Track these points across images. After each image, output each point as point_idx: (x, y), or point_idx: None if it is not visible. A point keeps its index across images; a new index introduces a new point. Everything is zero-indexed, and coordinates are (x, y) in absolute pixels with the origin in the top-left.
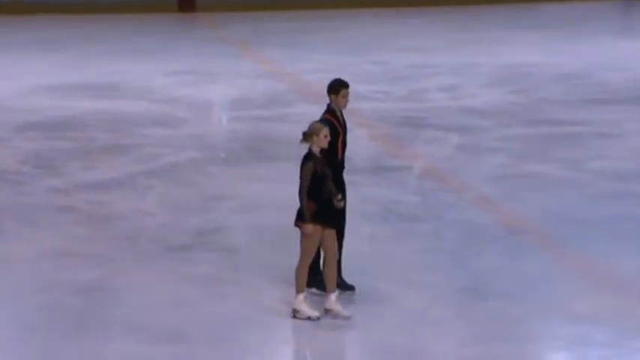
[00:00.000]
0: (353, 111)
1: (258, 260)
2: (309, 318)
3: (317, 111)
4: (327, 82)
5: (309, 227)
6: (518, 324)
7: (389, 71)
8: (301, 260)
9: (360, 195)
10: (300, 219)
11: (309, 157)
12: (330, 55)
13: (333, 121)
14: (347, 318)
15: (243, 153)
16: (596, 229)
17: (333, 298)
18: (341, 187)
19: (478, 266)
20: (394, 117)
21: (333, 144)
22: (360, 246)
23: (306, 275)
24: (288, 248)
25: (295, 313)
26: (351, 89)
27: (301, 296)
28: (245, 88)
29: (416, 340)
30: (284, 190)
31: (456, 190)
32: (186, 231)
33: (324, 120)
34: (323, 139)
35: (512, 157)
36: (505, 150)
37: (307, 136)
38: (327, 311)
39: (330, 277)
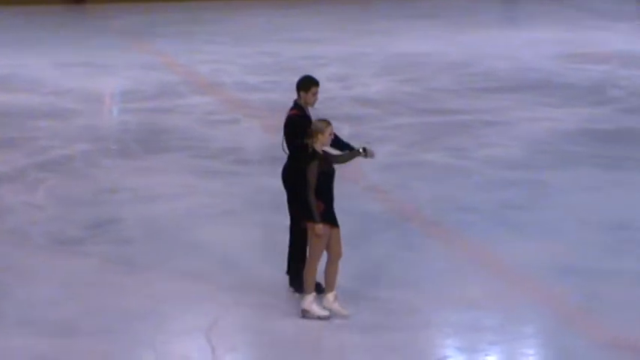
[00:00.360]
0: (245, 102)
1: (152, 252)
2: (318, 318)
3: (208, 102)
4: (218, 73)
5: (320, 227)
6: (410, 311)
7: (279, 62)
8: (310, 261)
9: (253, 185)
10: (309, 219)
11: (313, 156)
12: (222, 46)
13: (303, 118)
14: (346, 317)
15: (134, 145)
16: (485, 216)
17: (331, 298)
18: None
19: (370, 254)
20: (286, 107)
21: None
22: (252, 236)
23: (315, 276)
24: (181, 239)
25: (305, 314)
26: (240, 80)
27: (310, 297)
28: (137, 79)
29: (308, 327)
30: (176, 180)
31: (349, 179)
32: (78, 224)
33: (292, 116)
34: (328, 138)
35: (403, 145)
36: (395, 139)
37: (312, 134)
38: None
39: (332, 277)
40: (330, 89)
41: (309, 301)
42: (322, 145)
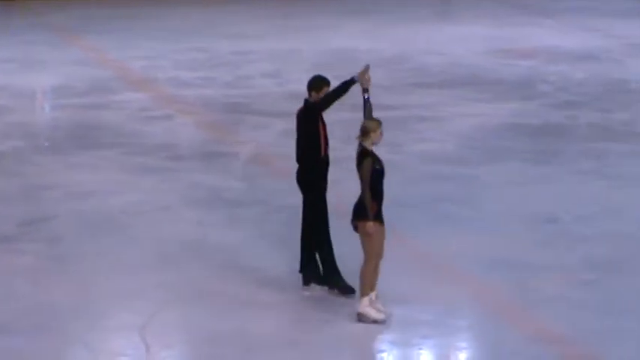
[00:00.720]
0: (177, 98)
1: (85, 249)
2: (374, 321)
3: (141, 98)
4: (151, 68)
5: (371, 225)
6: (343, 305)
7: (213, 58)
8: (367, 262)
9: (186, 182)
10: (362, 217)
11: (365, 153)
12: (154, 42)
13: (317, 117)
14: (382, 322)
15: (67, 141)
16: (419, 211)
17: (365, 302)
18: (324, 185)
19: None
20: (219, 103)
21: (315, 140)
22: (186, 233)
23: (371, 277)
24: (115, 236)
25: (361, 317)
26: (173, 77)
27: (366, 299)
28: (69, 75)
29: (244, 324)
30: (109, 177)
31: (281, 175)
32: (10, 221)
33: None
34: (379, 137)
35: (336, 141)
36: (330, 134)
37: (365, 133)
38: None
39: (369, 279)
40: (264, 85)
41: (365, 304)
42: (372, 143)
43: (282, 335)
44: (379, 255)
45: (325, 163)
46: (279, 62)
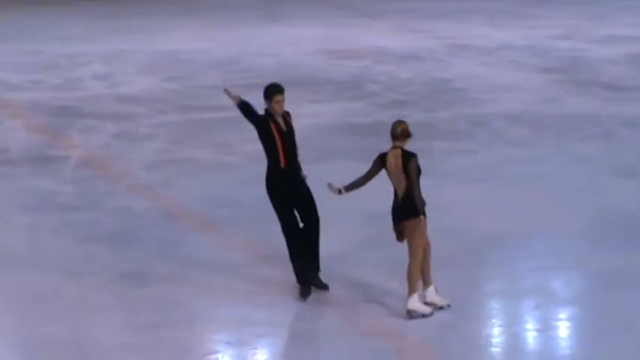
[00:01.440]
0: (6, 102)
1: None
2: (423, 316)
3: None
4: None
5: (424, 219)
6: (179, 307)
7: (42, 60)
8: (414, 259)
9: (17, 186)
10: (412, 215)
11: (410, 154)
12: None
13: (269, 125)
14: (430, 315)
15: None
16: (250, 210)
17: (434, 291)
18: (285, 197)
19: (137, 253)
20: (49, 106)
21: (272, 151)
22: (15, 238)
23: (417, 274)
24: None
25: (412, 314)
26: (2, 80)
27: (416, 296)
28: None
29: (78, 328)
30: None
31: (113, 178)
32: None
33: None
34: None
35: (169, 143)
36: (161, 136)
37: (407, 135)
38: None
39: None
40: (94, 87)
41: (415, 300)
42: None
43: (120, 338)
44: (427, 247)
45: (286, 175)
46: (109, 64)
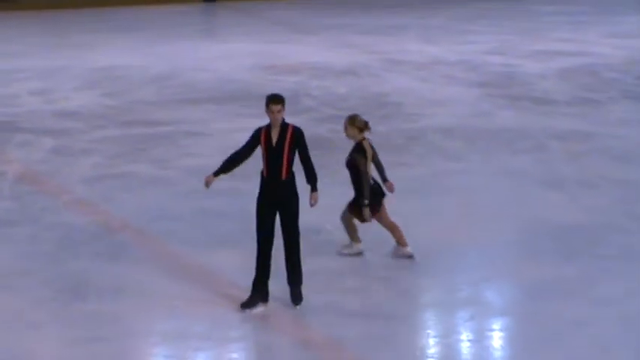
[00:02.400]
0: None
1: None
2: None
3: None
4: None
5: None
6: (118, 321)
7: None
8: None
9: None
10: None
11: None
12: None
13: (260, 134)
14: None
15: None
16: (188, 225)
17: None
18: (263, 206)
19: (76, 267)
20: None
21: (262, 157)
22: None
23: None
24: None
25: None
26: None
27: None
28: None
29: (17, 344)
30: None
31: (52, 193)
32: None
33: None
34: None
35: (107, 158)
36: (99, 151)
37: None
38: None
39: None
40: (31, 103)
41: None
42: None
43: (57, 354)
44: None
45: (267, 184)
46: (46, 80)
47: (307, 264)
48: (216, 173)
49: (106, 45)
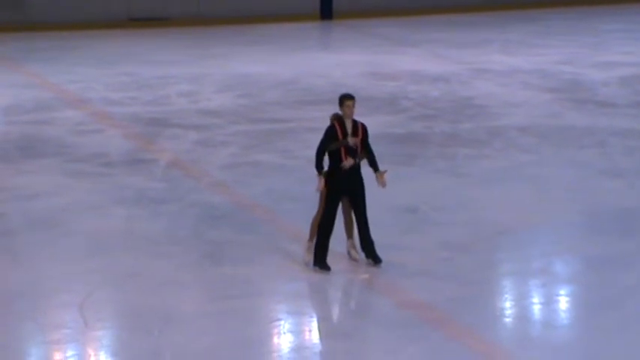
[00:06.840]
0: (108, 114)
1: (31, 242)
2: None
3: (77, 115)
4: (85, 90)
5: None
6: (248, 283)
7: (137, 81)
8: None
9: (117, 183)
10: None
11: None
12: (87, 68)
13: (335, 127)
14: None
15: (15, 151)
16: (307, 205)
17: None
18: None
19: (215, 238)
20: (142, 118)
21: (335, 149)
22: (117, 226)
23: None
24: (56, 229)
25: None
26: (104, 97)
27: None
28: (16, 96)
29: (167, 300)
30: (52, 181)
31: (195, 177)
32: None
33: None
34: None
35: (241, 148)
36: (234, 143)
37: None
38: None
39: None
40: (180, 103)
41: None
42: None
43: (201, 309)
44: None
45: (341, 171)
46: (192, 84)
47: (404, 240)
48: (320, 171)
49: (240, 55)
